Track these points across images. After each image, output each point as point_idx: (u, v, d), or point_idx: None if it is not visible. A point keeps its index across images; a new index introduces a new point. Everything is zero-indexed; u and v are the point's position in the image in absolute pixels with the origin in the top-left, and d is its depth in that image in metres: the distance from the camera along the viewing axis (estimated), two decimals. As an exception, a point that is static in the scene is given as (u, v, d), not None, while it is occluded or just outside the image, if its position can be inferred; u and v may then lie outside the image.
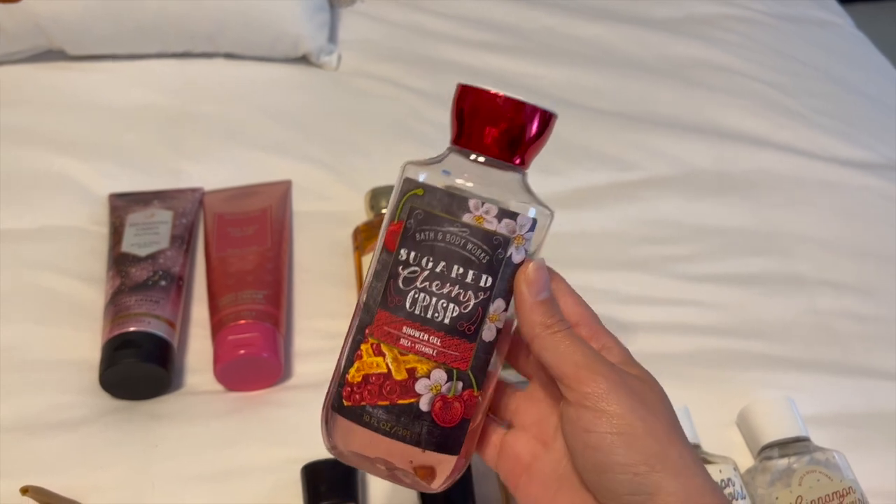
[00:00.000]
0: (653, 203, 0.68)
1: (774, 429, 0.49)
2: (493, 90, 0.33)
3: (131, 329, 0.53)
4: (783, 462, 0.48)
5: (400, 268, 0.33)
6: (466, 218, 0.33)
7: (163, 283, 0.56)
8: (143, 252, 0.58)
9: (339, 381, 0.35)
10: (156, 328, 0.53)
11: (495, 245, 0.33)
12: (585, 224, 0.66)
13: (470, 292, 0.33)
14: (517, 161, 0.34)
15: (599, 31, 0.85)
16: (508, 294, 0.34)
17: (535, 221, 0.34)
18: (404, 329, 0.33)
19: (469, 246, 0.33)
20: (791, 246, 0.65)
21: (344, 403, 0.34)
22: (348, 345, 0.35)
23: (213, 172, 0.67)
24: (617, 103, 0.78)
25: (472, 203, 0.33)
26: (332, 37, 0.82)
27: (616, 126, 0.75)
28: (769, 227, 0.67)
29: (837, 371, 0.56)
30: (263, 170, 0.68)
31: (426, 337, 0.33)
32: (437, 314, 0.33)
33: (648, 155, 0.72)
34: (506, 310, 0.34)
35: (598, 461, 0.31)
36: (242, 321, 0.53)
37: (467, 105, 0.34)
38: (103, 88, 0.74)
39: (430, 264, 0.33)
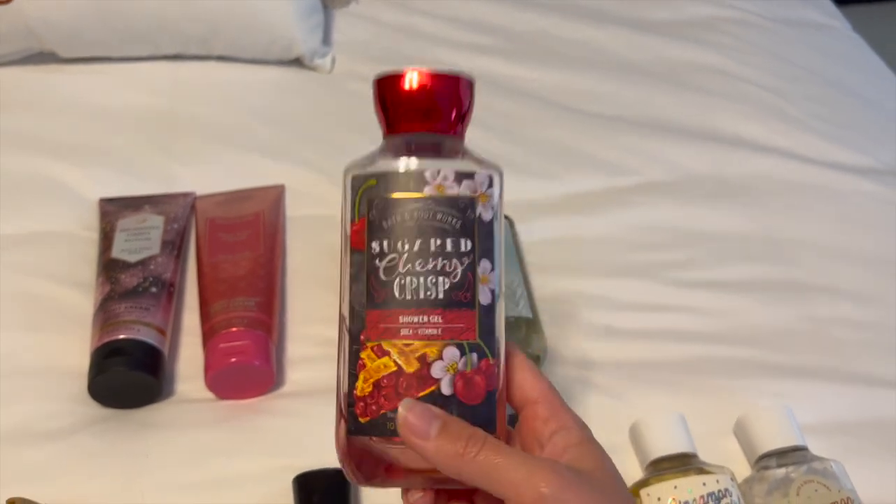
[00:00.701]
0: (648, 208, 0.68)
1: (772, 438, 0.49)
2: (407, 70, 0.34)
3: (121, 337, 0.52)
4: (781, 472, 0.47)
5: (377, 261, 0.33)
6: (427, 190, 0.33)
7: (153, 289, 0.56)
8: (133, 258, 0.58)
9: (348, 403, 0.33)
10: (146, 336, 0.53)
11: (463, 208, 0.33)
12: (580, 229, 0.66)
13: (455, 260, 0.33)
14: (453, 131, 0.34)
15: (594, 33, 0.85)
16: (492, 253, 0.33)
17: (490, 178, 0.34)
18: (401, 319, 0.32)
19: (439, 216, 0.33)
20: (788, 252, 0.65)
21: (361, 422, 0.32)
22: (345, 363, 0.33)
23: (205, 176, 0.67)
24: (612, 107, 0.77)
25: (428, 174, 0.33)
26: (326, 39, 0.81)
27: (611, 130, 0.75)
28: (766, 232, 0.66)
29: (835, 379, 0.56)
30: (256, 174, 0.67)
31: (426, 318, 0.32)
32: (429, 292, 0.32)
33: (644, 159, 0.72)
34: (493, 270, 0.33)
35: None
36: (234, 328, 0.53)
37: (388, 93, 0.34)
38: (94, 91, 0.74)
39: (407, 246, 0.32)
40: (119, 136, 0.70)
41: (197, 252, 0.60)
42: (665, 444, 0.48)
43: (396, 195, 0.33)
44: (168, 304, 0.56)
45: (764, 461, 0.49)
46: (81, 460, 0.49)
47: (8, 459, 0.49)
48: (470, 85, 0.35)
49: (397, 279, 0.32)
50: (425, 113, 0.34)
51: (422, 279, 0.32)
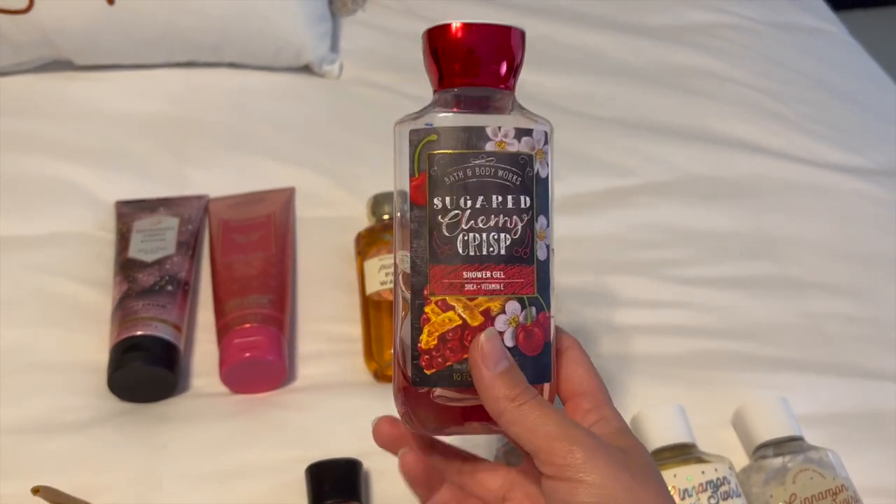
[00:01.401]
0: (648, 208, 0.69)
1: (769, 429, 0.50)
2: (462, 22, 0.34)
3: (139, 333, 0.54)
4: (778, 461, 0.49)
5: (439, 217, 0.33)
6: (489, 146, 0.33)
7: (169, 287, 0.57)
8: (149, 258, 0.59)
9: (413, 355, 0.33)
10: (163, 332, 0.54)
11: (522, 164, 0.33)
12: (582, 229, 0.67)
13: (515, 217, 0.33)
14: (504, 85, 0.35)
15: (594, 39, 0.86)
16: (547, 209, 0.34)
17: (546, 133, 0.34)
18: (465, 274, 0.33)
19: (500, 173, 0.33)
20: (784, 249, 0.66)
21: (426, 373, 0.33)
22: (408, 316, 0.34)
23: (218, 179, 0.68)
24: (612, 110, 0.79)
25: (489, 130, 0.33)
26: (334, 46, 0.83)
27: (611, 133, 0.76)
28: (762, 231, 0.68)
29: (830, 372, 0.57)
30: (267, 177, 0.69)
31: (489, 274, 0.33)
32: (492, 248, 0.33)
33: (644, 161, 0.73)
34: (548, 226, 0.34)
35: None
36: (248, 325, 0.54)
37: (441, 46, 0.34)
38: (110, 97, 0.75)
39: (470, 202, 0.33)
40: (134, 141, 0.71)
41: (211, 252, 0.62)
42: (665, 434, 0.49)
43: (459, 150, 0.33)
44: (183, 301, 0.58)
45: (761, 451, 0.50)
46: (101, 452, 0.51)
47: (31, 451, 0.51)
48: (522, 36, 0.35)
49: (461, 235, 0.33)
50: (482, 67, 0.34)
51: (484, 235, 0.33)
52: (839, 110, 0.81)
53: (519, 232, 0.34)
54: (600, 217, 0.68)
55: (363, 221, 0.65)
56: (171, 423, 0.52)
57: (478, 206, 0.33)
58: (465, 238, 0.33)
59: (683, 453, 0.49)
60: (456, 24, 0.33)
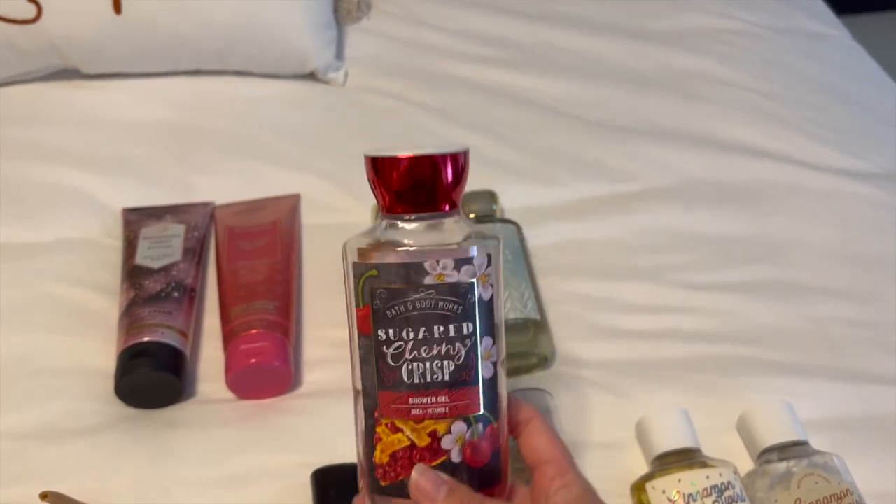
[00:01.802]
0: (652, 213, 0.69)
1: (773, 433, 0.50)
2: (398, 154, 0.34)
3: (145, 339, 0.54)
4: (782, 465, 0.49)
5: (384, 348, 0.34)
6: (428, 280, 0.34)
7: (175, 294, 0.58)
8: (156, 264, 0.60)
9: (369, 467, 0.36)
10: (169, 338, 0.55)
11: (464, 293, 0.34)
12: (586, 234, 0.67)
13: (458, 344, 0.34)
14: (447, 208, 0.35)
15: (597, 44, 0.87)
16: (492, 329, 0.35)
17: (489, 256, 0.35)
18: (411, 400, 0.34)
19: (441, 304, 0.34)
20: (787, 254, 0.66)
21: (382, 485, 0.35)
22: (362, 431, 0.36)
23: (223, 186, 0.69)
24: (615, 115, 0.79)
25: (428, 265, 0.34)
26: (339, 53, 0.83)
27: (615, 138, 0.76)
28: (766, 235, 0.68)
29: (835, 376, 0.57)
30: (273, 183, 0.69)
31: (434, 399, 0.34)
32: (436, 375, 0.34)
33: (647, 166, 0.73)
34: (493, 344, 0.35)
35: None
36: (253, 331, 0.55)
37: (381, 176, 0.35)
38: (116, 105, 0.76)
39: (412, 335, 0.34)
40: (140, 149, 0.72)
41: (217, 259, 0.62)
42: (670, 439, 0.49)
43: (399, 286, 0.34)
44: (189, 308, 0.58)
45: (766, 455, 0.50)
46: (108, 457, 0.51)
47: (39, 456, 0.51)
48: (464, 158, 0.35)
49: (405, 364, 0.34)
50: (421, 197, 0.35)
51: (428, 364, 0.34)
52: (842, 114, 0.81)
53: (462, 357, 0.35)
54: (604, 222, 0.68)
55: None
56: (177, 428, 0.53)
57: (420, 337, 0.34)
58: (410, 367, 0.34)
59: (688, 458, 0.49)
60: (397, 157, 0.34)
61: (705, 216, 0.69)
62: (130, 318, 0.56)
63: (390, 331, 0.34)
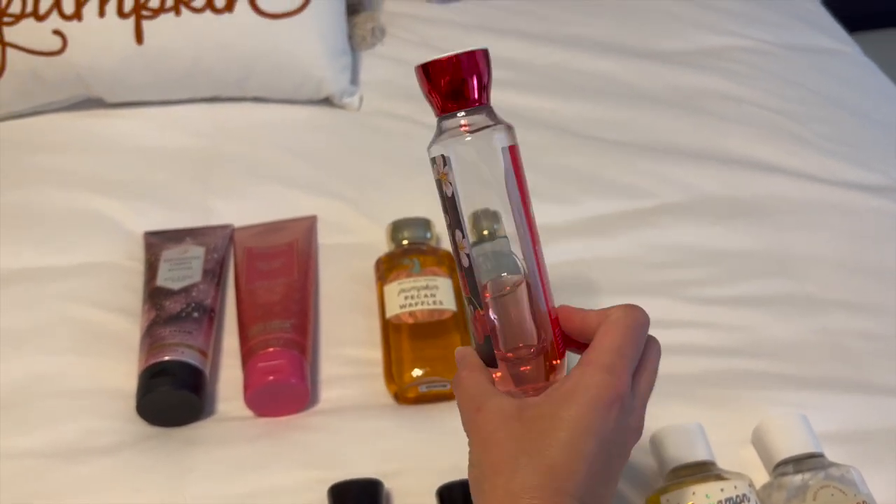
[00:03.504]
0: (665, 229, 0.69)
1: (789, 445, 0.50)
2: (447, 55, 0.39)
3: (166, 358, 0.55)
4: (798, 478, 0.48)
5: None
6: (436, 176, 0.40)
7: (195, 314, 0.59)
8: (176, 286, 0.61)
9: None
10: (189, 357, 0.56)
11: (439, 187, 0.40)
12: (600, 251, 0.68)
13: (449, 233, 0.40)
14: (484, 101, 0.40)
15: (608, 64, 0.88)
16: (459, 223, 0.39)
17: (444, 157, 0.39)
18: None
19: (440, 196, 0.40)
20: (801, 268, 0.66)
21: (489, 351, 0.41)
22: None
23: (242, 209, 0.70)
24: (628, 134, 0.79)
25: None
26: (354, 78, 0.85)
27: (627, 155, 0.77)
28: (779, 249, 0.68)
29: (850, 388, 0.57)
30: (290, 206, 0.71)
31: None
32: (461, 259, 0.40)
33: (660, 182, 0.74)
34: (464, 237, 0.39)
35: None
36: (271, 349, 0.56)
37: (444, 78, 0.39)
38: (138, 133, 0.78)
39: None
40: (161, 174, 0.74)
41: (235, 279, 0.64)
42: (685, 452, 0.49)
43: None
44: (209, 327, 0.59)
45: (781, 468, 0.50)
46: (130, 475, 0.52)
47: (62, 474, 0.52)
48: (488, 55, 0.40)
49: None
50: (472, 91, 0.39)
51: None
52: (854, 128, 0.81)
53: (455, 246, 0.40)
54: (617, 239, 0.69)
55: (383, 247, 0.66)
56: (197, 446, 0.54)
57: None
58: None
59: (703, 471, 0.49)
60: (450, 57, 0.39)
61: (718, 231, 0.69)
62: (151, 337, 0.57)
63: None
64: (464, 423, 0.38)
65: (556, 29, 0.93)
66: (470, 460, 0.37)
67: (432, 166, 0.39)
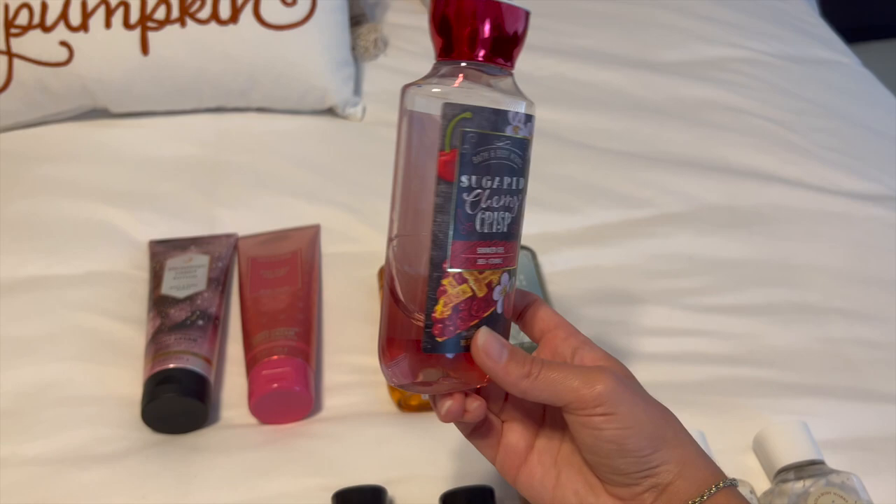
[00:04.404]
0: (665, 238, 0.70)
1: (790, 452, 0.50)
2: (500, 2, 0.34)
3: (171, 366, 0.56)
4: (799, 485, 0.49)
5: (464, 195, 0.34)
6: (509, 131, 0.34)
7: (200, 322, 0.59)
8: (181, 294, 0.61)
9: (427, 324, 0.35)
10: (194, 365, 0.56)
11: (525, 149, 0.35)
12: (601, 259, 0.68)
13: (515, 197, 0.35)
14: (512, 65, 0.35)
15: (609, 76, 0.88)
16: (526, 188, 0.36)
17: (533, 118, 0.36)
18: (478, 250, 0.34)
19: (512, 156, 0.35)
20: (801, 276, 0.67)
21: (438, 341, 0.35)
22: (423, 286, 0.35)
23: (246, 218, 0.71)
24: (628, 144, 0.80)
25: (510, 115, 0.34)
26: (357, 89, 0.86)
27: (628, 165, 0.77)
28: (779, 258, 0.68)
29: (850, 396, 0.57)
30: (293, 215, 0.71)
31: (495, 249, 0.35)
32: (499, 226, 0.35)
33: (660, 192, 0.74)
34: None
35: (610, 450, 0.35)
36: (275, 357, 0.56)
37: (457, 12, 0.34)
38: (143, 143, 0.79)
39: (489, 183, 0.34)
40: (166, 183, 0.74)
41: (240, 288, 0.64)
42: (685, 459, 0.50)
43: (488, 132, 0.34)
44: (213, 335, 0.60)
45: (782, 475, 0.50)
46: (135, 481, 0.52)
47: (67, 481, 0.52)
48: (528, 17, 0.36)
49: (479, 213, 0.34)
50: (499, 44, 0.34)
51: (496, 214, 0.35)
52: (854, 138, 0.82)
53: (516, 211, 0.36)
54: (618, 247, 0.69)
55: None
56: (202, 453, 0.54)
57: (494, 186, 0.34)
58: (482, 216, 0.34)
59: (704, 478, 0.49)
60: (495, 2, 0.34)
61: (720, 241, 0.70)
62: (157, 345, 0.58)
63: (473, 177, 0.34)
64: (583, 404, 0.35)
65: (557, 40, 0.94)
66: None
67: (520, 124, 0.35)
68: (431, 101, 0.34)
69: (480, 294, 0.35)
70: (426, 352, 0.35)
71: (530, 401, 0.37)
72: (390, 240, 0.36)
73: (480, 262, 0.35)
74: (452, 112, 0.33)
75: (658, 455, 0.35)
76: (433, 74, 0.35)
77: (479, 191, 0.34)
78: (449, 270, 0.34)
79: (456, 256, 0.34)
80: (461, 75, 0.35)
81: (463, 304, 0.35)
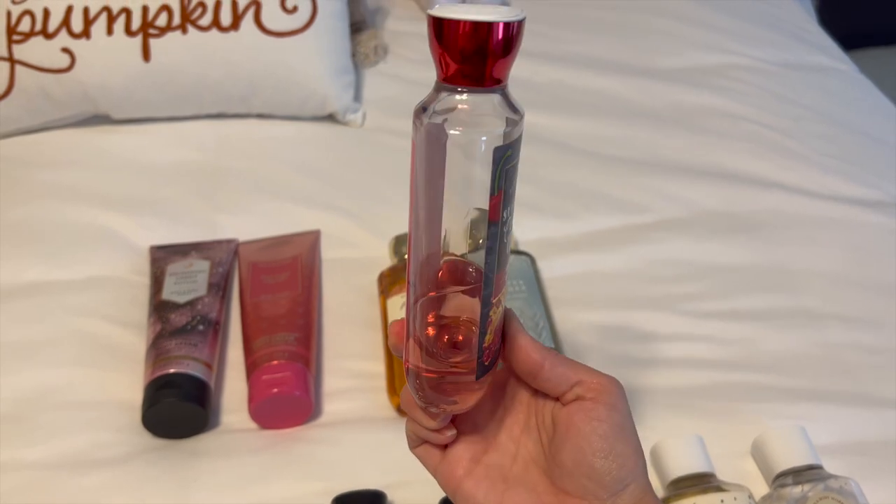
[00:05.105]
0: (664, 244, 0.70)
1: (788, 457, 0.51)
2: (465, 18, 0.31)
3: (171, 371, 0.56)
4: (797, 490, 0.49)
5: (503, 228, 0.33)
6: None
7: (200, 327, 0.59)
8: (182, 299, 0.62)
9: (478, 354, 0.35)
10: (194, 370, 0.56)
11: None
12: (599, 265, 0.68)
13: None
14: (503, 83, 0.33)
15: (608, 82, 0.89)
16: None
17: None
18: (504, 277, 0.35)
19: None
20: (799, 282, 0.67)
21: (486, 364, 0.35)
22: (478, 323, 0.34)
23: (246, 224, 0.71)
24: (627, 150, 0.80)
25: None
26: (357, 96, 0.86)
27: (626, 172, 0.78)
28: (777, 264, 0.68)
29: (848, 401, 0.57)
30: (294, 220, 0.72)
31: (504, 274, 0.35)
32: (509, 251, 0.35)
33: (658, 198, 0.75)
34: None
35: (598, 448, 0.34)
36: (275, 362, 0.56)
37: (458, 41, 0.32)
38: (144, 149, 0.79)
39: (512, 213, 0.34)
40: (167, 189, 0.75)
41: (240, 293, 0.64)
42: (684, 464, 0.50)
43: (515, 164, 0.32)
44: (214, 340, 0.60)
45: (781, 480, 0.50)
46: (135, 486, 0.52)
47: (68, 485, 0.52)
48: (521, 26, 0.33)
49: (507, 242, 0.34)
50: (493, 68, 0.32)
51: (508, 241, 0.34)
52: (851, 144, 0.82)
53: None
54: (616, 253, 0.69)
55: (386, 261, 0.67)
56: (202, 458, 0.54)
57: (512, 215, 0.34)
58: (506, 241, 0.34)
59: (703, 482, 0.49)
60: (468, 22, 0.31)
61: (718, 246, 0.70)
62: (157, 350, 0.58)
63: (508, 209, 0.33)
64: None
65: (555, 47, 0.94)
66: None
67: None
68: (483, 145, 0.32)
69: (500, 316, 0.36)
70: (479, 379, 0.35)
71: (485, 412, 0.37)
72: (415, 301, 0.35)
73: (504, 286, 0.35)
74: (500, 154, 0.32)
75: (634, 472, 0.34)
76: (442, 103, 0.34)
77: (509, 220, 0.34)
78: (493, 301, 0.34)
79: (498, 286, 0.34)
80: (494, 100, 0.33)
81: (498, 325, 0.35)
